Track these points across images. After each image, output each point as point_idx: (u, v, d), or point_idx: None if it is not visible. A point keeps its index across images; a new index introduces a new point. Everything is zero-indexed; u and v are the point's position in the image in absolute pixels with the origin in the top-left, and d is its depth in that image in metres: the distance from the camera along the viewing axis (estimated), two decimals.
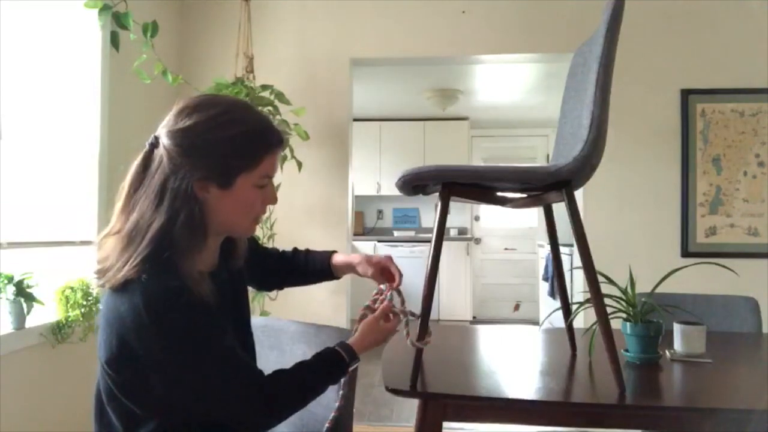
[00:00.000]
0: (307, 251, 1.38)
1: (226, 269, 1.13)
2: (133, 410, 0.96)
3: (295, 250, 1.39)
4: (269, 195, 1.07)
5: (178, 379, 0.93)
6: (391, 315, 1.17)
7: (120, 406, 0.96)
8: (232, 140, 0.99)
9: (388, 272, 1.27)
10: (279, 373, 1.03)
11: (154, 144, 1.00)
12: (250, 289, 1.35)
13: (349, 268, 1.32)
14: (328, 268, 1.34)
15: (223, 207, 1.01)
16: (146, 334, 0.90)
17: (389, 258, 1.28)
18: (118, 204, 1.01)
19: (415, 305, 1.20)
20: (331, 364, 1.08)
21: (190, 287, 0.93)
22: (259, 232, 2.73)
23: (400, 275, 1.25)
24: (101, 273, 0.98)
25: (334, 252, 1.36)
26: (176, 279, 0.93)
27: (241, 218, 1.05)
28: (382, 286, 1.21)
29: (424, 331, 1.14)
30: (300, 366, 1.06)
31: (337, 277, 1.36)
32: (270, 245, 2.74)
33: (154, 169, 0.98)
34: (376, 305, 1.18)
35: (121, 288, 0.93)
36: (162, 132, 0.99)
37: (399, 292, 1.22)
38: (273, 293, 2.69)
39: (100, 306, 0.99)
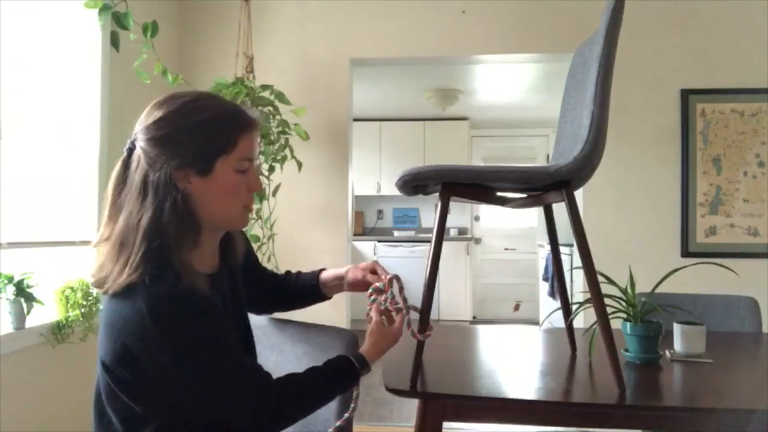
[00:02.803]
0: (298, 273, 1.37)
1: (227, 270, 1.12)
2: (134, 411, 0.95)
3: (287, 272, 1.38)
4: (252, 181, 1.05)
5: (184, 382, 0.92)
6: (394, 313, 1.16)
7: (121, 407, 0.95)
8: (204, 123, 0.99)
9: (376, 273, 1.24)
10: (290, 377, 1.02)
11: (132, 147, 1.00)
12: None
13: (338, 279, 1.30)
14: (316, 284, 1.32)
15: (207, 196, 1.00)
16: (152, 339, 0.89)
17: (376, 262, 1.27)
18: (105, 212, 1.00)
19: (415, 304, 1.20)
20: (342, 373, 1.07)
21: (194, 288, 0.92)
22: (258, 232, 2.72)
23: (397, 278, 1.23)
24: (100, 282, 0.96)
25: (322, 269, 1.34)
26: (180, 281, 0.92)
27: (228, 207, 1.03)
28: (377, 284, 1.18)
29: (425, 324, 1.14)
30: (311, 372, 1.05)
31: (328, 297, 1.34)
32: (270, 245, 2.75)
33: (134, 169, 0.98)
34: (378, 301, 1.16)
35: (124, 293, 0.92)
36: (137, 132, 0.99)
37: (397, 279, 1.19)
38: None
39: (101, 307, 0.99)
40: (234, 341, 0.98)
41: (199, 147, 0.98)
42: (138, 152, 0.98)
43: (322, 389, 1.05)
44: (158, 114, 0.98)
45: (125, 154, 1.00)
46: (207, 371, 0.92)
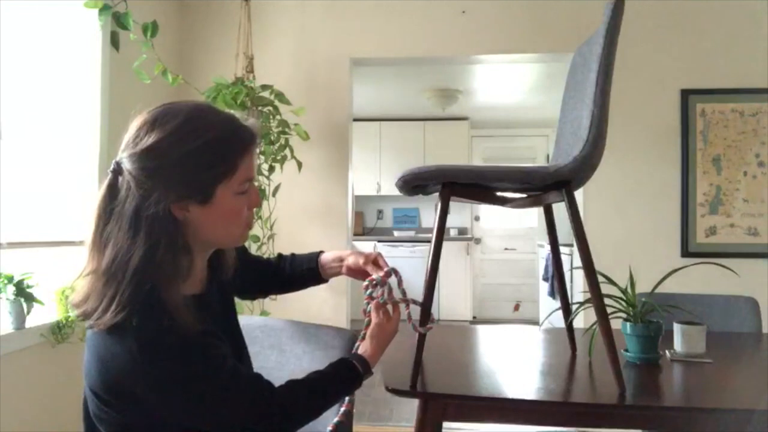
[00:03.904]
0: (293, 255, 1.33)
1: (216, 284, 1.08)
2: (126, 426, 0.93)
3: (280, 255, 1.34)
4: (253, 199, 1.00)
5: (187, 409, 0.90)
6: (391, 307, 1.14)
7: (113, 425, 0.93)
8: (201, 150, 0.91)
9: (377, 264, 1.21)
10: (291, 384, 1.01)
11: (117, 170, 0.91)
12: None
13: (338, 260, 1.27)
14: (315, 267, 1.28)
15: (208, 223, 0.94)
16: (147, 376, 0.87)
17: (379, 253, 1.24)
18: (88, 241, 0.92)
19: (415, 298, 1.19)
20: (345, 377, 1.06)
21: (183, 322, 0.88)
22: (258, 232, 2.73)
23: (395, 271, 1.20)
24: (85, 316, 0.90)
25: (321, 252, 1.32)
26: (167, 317, 0.88)
27: (230, 230, 0.99)
28: (373, 276, 1.16)
29: (426, 316, 1.13)
30: (314, 376, 1.04)
31: (325, 280, 1.30)
32: (270, 245, 2.75)
33: (123, 198, 0.90)
34: (375, 295, 1.15)
35: (110, 330, 0.87)
36: (123, 156, 0.91)
37: (395, 272, 1.18)
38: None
39: (87, 335, 0.94)
40: (230, 361, 0.94)
41: (198, 177, 0.91)
42: (127, 179, 0.89)
43: (324, 395, 1.04)
44: (149, 141, 0.89)
45: (110, 176, 0.92)
46: (209, 396, 0.90)
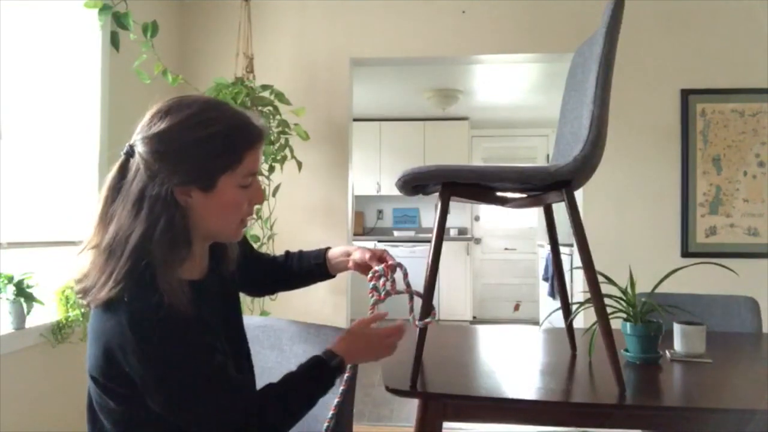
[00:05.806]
0: (300, 252, 1.35)
1: (217, 275, 1.09)
2: (125, 417, 0.94)
3: (287, 253, 1.36)
4: (255, 194, 1.03)
5: (166, 399, 0.90)
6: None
7: (112, 414, 0.95)
8: (210, 140, 0.95)
9: (383, 260, 1.22)
10: (267, 390, 1.00)
11: (130, 153, 0.96)
12: None
13: (345, 255, 1.28)
14: (323, 263, 1.30)
15: (208, 211, 0.97)
16: (133, 352, 0.88)
17: (385, 250, 1.25)
18: (95, 217, 0.96)
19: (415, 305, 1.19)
20: (317, 375, 1.03)
21: (175, 307, 0.89)
22: (258, 232, 2.73)
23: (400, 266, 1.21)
24: (84, 292, 0.93)
25: (329, 248, 1.33)
26: (160, 299, 0.89)
27: (226, 221, 1.00)
28: (376, 267, 1.17)
29: (426, 313, 1.13)
30: (287, 380, 1.02)
31: (332, 275, 1.32)
32: (270, 245, 2.75)
33: (131, 178, 0.94)
34: (378, 285, 1.15)
35: (105, 305, 0.90)
36: (137, 139, 0.95)
37: (400, 266, 1.18)
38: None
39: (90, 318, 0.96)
40: (217, 356, 0.94)
41: (203, 164, 0.95)
42: (137, 161, 0.94)
43: (300, 397, 1.01)
44: (161, 126, 0.94)
45: (122, 158, 0.97)
46: (185, 385, 0.90)
